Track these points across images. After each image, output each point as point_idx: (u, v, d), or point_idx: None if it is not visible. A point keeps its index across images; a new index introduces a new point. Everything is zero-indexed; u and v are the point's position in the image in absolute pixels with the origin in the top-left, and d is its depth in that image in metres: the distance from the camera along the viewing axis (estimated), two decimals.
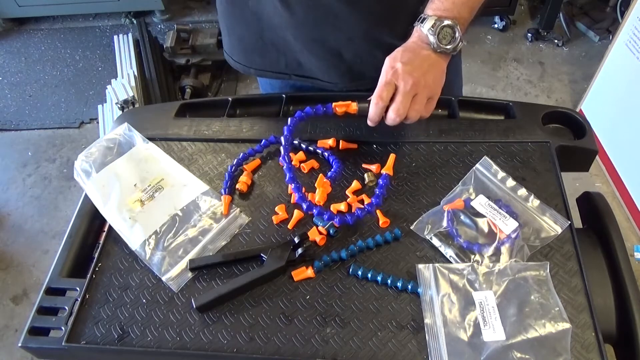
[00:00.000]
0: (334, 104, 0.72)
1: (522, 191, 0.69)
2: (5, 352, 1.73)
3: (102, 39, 2.88)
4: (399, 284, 0.61)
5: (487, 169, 0.72)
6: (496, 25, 2.76)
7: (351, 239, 0.67)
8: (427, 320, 0.59)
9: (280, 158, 0.71)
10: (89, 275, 0.66)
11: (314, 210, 0.68)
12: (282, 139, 0.71)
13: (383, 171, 0.73)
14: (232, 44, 0.93)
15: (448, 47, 0.71)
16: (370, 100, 0.70)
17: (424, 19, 0.72)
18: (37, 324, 0.63)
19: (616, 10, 2.54)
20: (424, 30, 0.71)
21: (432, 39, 0.71)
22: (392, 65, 0.70)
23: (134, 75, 2.33)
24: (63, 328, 0.62)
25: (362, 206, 0.69)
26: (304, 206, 0.68)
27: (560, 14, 2.64)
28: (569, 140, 0.79)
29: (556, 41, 2.63)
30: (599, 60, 2.05)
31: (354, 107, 0.71)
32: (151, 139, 0.81)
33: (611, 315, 0.62)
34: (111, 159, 0.78)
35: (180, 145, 0.81)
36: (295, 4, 0.78)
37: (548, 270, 0.61)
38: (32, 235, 2.05)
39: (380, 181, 0.71)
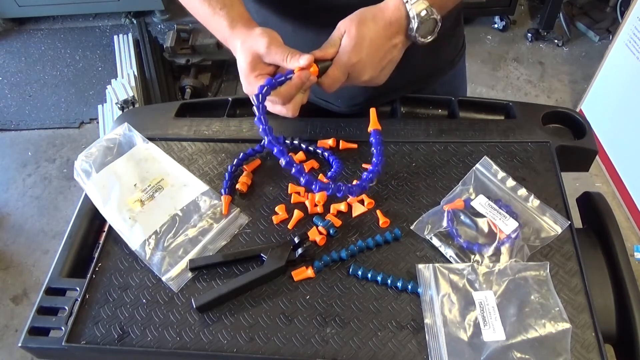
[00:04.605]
0: (295, 70, 0.65)
1: (522, 191, 0.69)
2: (5, 352, 1.73)
3: (102, 39, 2.88)
4: (399, 284, 0.61)
5: (487, 169, 0.72)
6: (496, 25, 2.76)
7: (351, 239, 0.67)
8: (427, 320, 0.59)
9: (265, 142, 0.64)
10: (89, 275, 0.66)
11: (314, 185, 0.65)
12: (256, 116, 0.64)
13: (370, 129, 0.70)
14: None
15: (423, 40, 0.66)
16: (328, 62, 0.66)
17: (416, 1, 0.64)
18: (37, 324, 0.63)
19: (616, 10, 2.55)
20: (410, 12, 0.64)
21: (414, 25, 0.64)
22: (355, 55, 0.64)
23: (134, 75, 2.33)
24: (63, 328, 0.62)
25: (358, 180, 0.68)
26: (302, 180, 0.65)
27: (560, 14, 2.65)
28: (569, 140, 0.79)
29: (556, 41, 2.63)
30: (599, 60, 2.05)
31: (315, 69, 0.65)
32: (151, 139, 0.81)
33: (611, 315, 0.62)
34: (111, 159, 0.78)
35: (180, 145, 0.81)
36: None
37: (548, 270, 0.61)
38: (32, 235, 2.05)
39: (372, 139, 0.69)
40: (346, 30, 0.65)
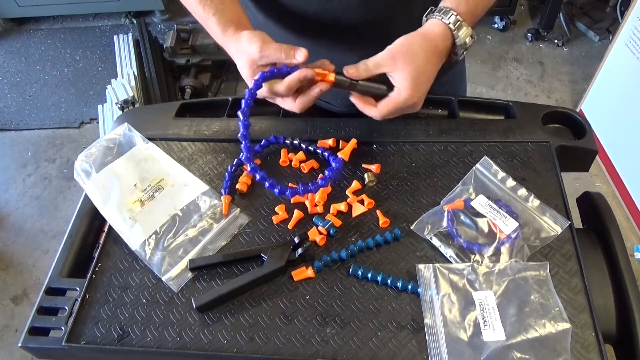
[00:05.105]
0: (314, 70, 0.66)
1: (522, 191, 0.69)
2: (5, 352, 1.73)
3: (102, 39, 2.88)
4: (399, 284, 0.61)
5: (487, 169, 0.72)
6: (496, 25, 2.76)
7: (351, 239, 0.67)
8: (427, 320, 0.59)
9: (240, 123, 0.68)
10: (89, 275, 0.66)
11: (266, 182, 0.68)
12: (243, 102, 0.68)
13: (339, 154, 0.74)
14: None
15: (458, 58, 0.70)
16: (347, 75, 0.67)
17: (459, 23, 0.65)
18: (37, 324, 0.64)
19: (616, 10, 2.54)
20: (458, 41, 0.66)
21: (460, 50, 0.68)
22: (416, 92, 0.65)
23: (134, 75, 2.33)
24: (63, 328, 0.62)
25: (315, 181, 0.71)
26: (257, 176, 0.68)
27: (560, 14, 2.65)
28: (569, 140, 0.79)
29: (556, 41, 2.63)
30: (599, 60, 2.05)
31: (331, 78, 0.67)
32: (151, 139, 0.81)
33: (611, 315, 0.62)
34: (111, 159, 0.78)
35: (180, 145, 0.81)
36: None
37: (548, 270, 0.61)
38: (32, 235, 2.05)
39: (335, 164, 0.72)
40: (399, 69, 0.65)
